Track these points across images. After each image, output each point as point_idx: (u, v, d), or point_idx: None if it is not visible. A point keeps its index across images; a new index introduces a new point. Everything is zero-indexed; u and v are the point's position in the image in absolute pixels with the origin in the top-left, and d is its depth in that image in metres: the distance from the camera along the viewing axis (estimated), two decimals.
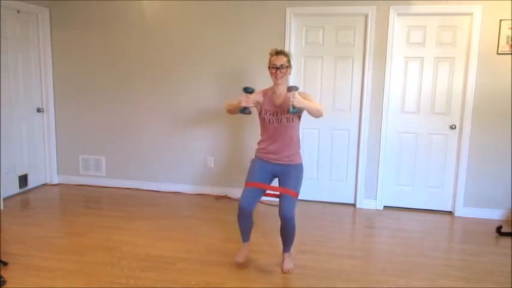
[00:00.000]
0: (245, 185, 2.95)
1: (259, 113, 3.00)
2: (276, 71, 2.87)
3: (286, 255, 3.04)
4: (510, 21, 3.94)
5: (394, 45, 4.21)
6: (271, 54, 2.94)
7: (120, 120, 4.93)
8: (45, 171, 5.10)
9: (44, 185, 5.09)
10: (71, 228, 3.74)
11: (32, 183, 4.90)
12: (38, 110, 4.95)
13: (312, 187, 4.61)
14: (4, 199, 4.37)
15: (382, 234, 3.79)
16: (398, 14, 4.15)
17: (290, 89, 2.68)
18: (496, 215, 4.21)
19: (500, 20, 3.96)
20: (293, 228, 2.89)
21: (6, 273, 2.86)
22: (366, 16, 4.21)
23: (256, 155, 3.09)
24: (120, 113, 4.91)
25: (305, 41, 4.42)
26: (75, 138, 5.07)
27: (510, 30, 3.95)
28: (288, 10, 4.32)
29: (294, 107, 2.65)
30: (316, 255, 3.28)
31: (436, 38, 4.16)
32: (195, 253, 3.26)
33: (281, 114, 2.91)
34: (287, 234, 2.93)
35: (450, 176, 4.33)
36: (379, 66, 4.24)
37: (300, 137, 3.06)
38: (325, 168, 4.57)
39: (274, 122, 2.92)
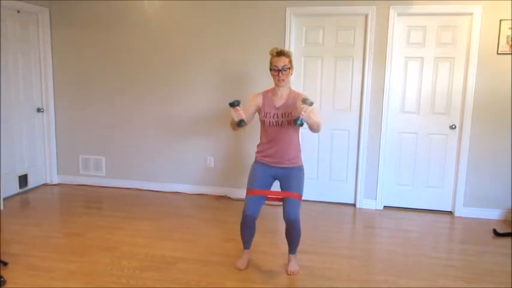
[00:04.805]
0: (247, 193, 2.89)
1: (259, 116, 2.92)
2: (279, 74, 2.79)
3: (292, 256, 3.00)
4: (510, 21, 3.94)
5: (394, 45, 4.21)
6: (272, 55, 2.84)
7: (120, 120, 4.92)
8: (45, 171, 5.10)
9: (44, 185, 5.09)
10: (70, 228, 3.74)
11: (32, 183, 4.90)
12: (38, 110, 4.94)
13: (312, 187, 4.61)
14: (4, 199, 4.37)
15: (382, 234, 3.79)
16: (398, 14, 4.15)
17: (305, 101, 2.55)
18: (495, 214, 4.21)
19: (500, 20, 3.96)
20: (298, 230, 2.87)
21: (6, 273, 2.86)
22: (366, 16, 4.21)
23: (256, 159, 3.01)
24: (120, 112, 4.91)
25: (305, 41, 4.41)
26: (75, 138, 5.07)
27: (510, 30, 3.95)
28: (288, 10, 4.32)
29: (302, 121, 2.54)
30: (316, 255, 3.28)
31: (436, 38, 4.16)
32: (195, 253, 3.26)
33: (282, 117, 2.82)
34: (292, 236, 2.91)
35: (450, 176, 4.33)
36: (379, 66, 4.24)
37: (300, 137, 3.04)
38: (325, 168, 4.57)
39: (275, 124, 2.84)
